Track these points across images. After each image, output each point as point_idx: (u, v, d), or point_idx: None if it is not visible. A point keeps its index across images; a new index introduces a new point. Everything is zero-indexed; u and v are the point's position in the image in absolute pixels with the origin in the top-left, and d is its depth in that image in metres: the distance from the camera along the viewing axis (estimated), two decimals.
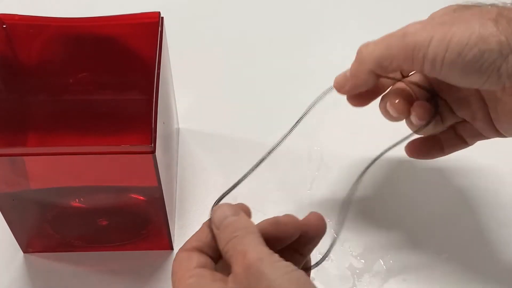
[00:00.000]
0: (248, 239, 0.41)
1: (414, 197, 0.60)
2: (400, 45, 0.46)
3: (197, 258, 0.42)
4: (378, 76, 0.49)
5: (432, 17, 0.48)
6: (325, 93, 0.52)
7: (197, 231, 0.44)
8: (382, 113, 0.52)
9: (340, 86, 0.51)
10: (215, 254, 0.43)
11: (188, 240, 0.43)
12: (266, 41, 0.71)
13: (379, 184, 0.61)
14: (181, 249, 0.43)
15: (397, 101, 0.50)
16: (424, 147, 0.54)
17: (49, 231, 0.55)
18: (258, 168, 0.62)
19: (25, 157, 0.48)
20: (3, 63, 0.54)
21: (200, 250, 0.42)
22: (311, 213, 0.45)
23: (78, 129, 0.58)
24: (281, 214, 0.58)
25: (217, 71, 0.69)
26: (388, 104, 0.51)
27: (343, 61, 0.67)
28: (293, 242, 0.44)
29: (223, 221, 0.42)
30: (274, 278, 0.38)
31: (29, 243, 0.56)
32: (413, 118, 0.50)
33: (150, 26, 0.52)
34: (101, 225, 0.55)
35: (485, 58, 0.43)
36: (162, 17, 0.53)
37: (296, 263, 0.42)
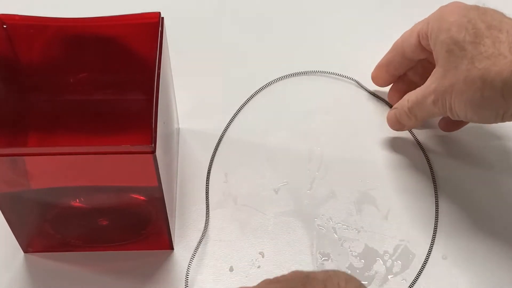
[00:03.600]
0: None
1: (415, 196, 0.60)
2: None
3: None
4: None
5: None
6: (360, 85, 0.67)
7: None
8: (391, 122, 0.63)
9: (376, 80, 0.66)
10: None
11: None
12: (266, 41, 0.71)
13: (380, 184, 0.61)
14: None
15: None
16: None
17: (49, 231, 0.55)
18: (259, 168, 0.62)
19: (25, 157, 0.48)
20: (3, 63, 0.54)
21: None
22: None
23: (78, 129, 0.58)
24: (281, 214, 0.59)
25: (217, 71, 0.69)
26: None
27: (345, 64, 0.68)
28: None
29: None
30: None
31: (30, 243, 0.56)
32: None
33: (150, 26, 0.52)
34: (101, 225, 0.55)
35: None
36: (162, 17, 0.53)
37: None
